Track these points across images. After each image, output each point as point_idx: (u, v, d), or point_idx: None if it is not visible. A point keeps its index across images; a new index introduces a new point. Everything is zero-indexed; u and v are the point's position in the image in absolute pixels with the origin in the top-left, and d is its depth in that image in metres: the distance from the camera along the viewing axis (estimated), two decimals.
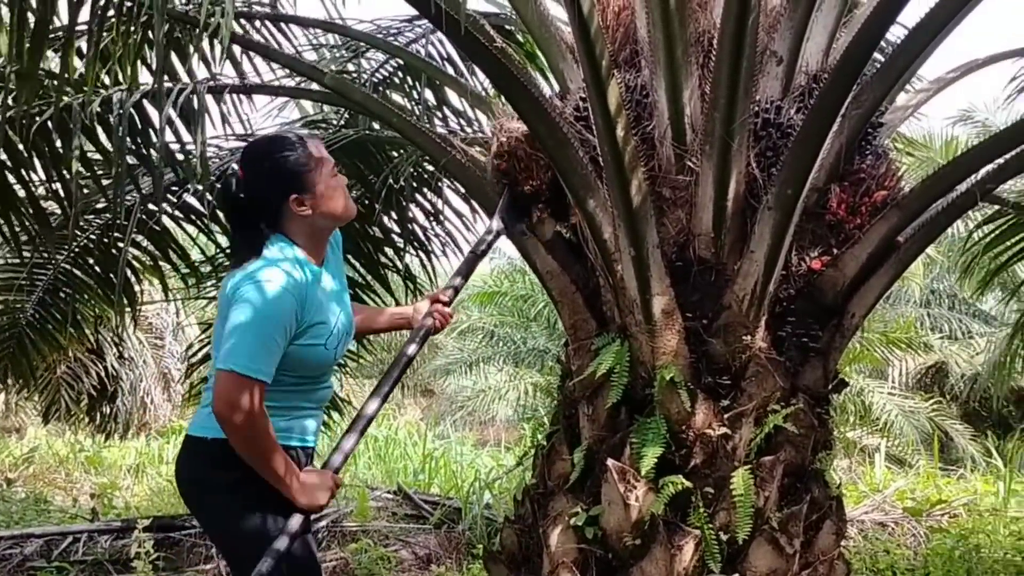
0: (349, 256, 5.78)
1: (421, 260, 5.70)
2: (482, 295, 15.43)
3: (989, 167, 2.89)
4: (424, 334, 2.84)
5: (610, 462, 2.93)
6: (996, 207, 4.37)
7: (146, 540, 5.19)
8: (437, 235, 5.62)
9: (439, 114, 5.51)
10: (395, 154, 5.07)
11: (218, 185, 5.00)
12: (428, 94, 5.36)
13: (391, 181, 4.87)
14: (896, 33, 3.94)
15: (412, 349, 2.81)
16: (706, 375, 3.04)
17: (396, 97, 5.48)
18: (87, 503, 8.00)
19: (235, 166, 2.51)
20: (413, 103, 5.46)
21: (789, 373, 3.07)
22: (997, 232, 4.72)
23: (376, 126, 5.00)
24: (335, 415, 6.60)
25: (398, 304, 6.14)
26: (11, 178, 4.21)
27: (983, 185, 2.93)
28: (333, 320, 2.51)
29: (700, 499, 2.92)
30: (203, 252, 6.03)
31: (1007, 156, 2.85)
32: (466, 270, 3.19)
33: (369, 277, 5.86)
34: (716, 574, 2.83)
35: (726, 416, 2.98)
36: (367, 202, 5.24)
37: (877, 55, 3.42)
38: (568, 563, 2.95)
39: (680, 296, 3.04)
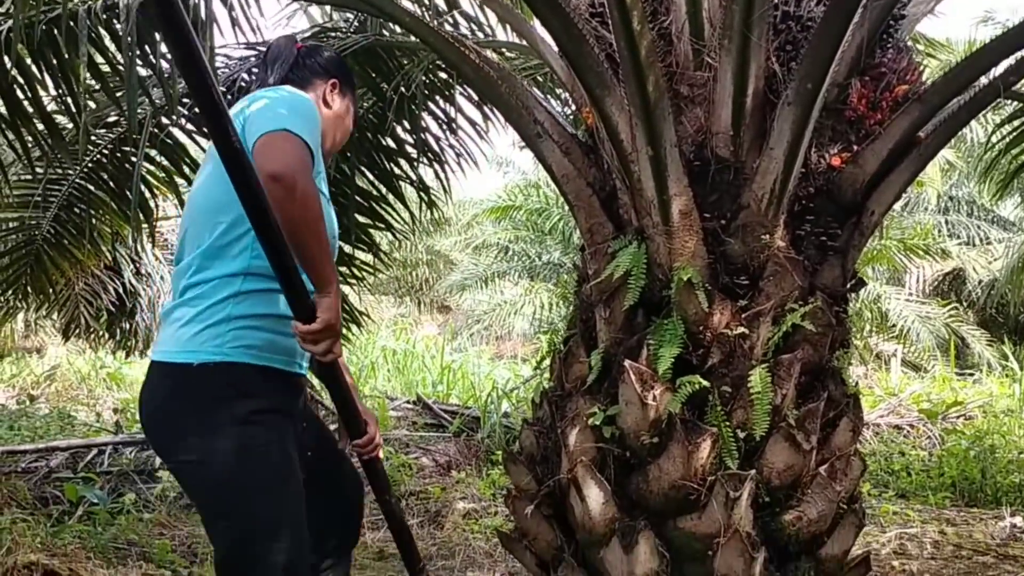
0: (363, 168, 5.75)
1: (435, 171, 5.65)
2: (496, 210, 15.39)
3: (1010, 60, 2.82)
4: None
5: (627, 363, 2.94)
6: (1018, 104, 4.28)
7: None
8: (451, 145, 5.57)
9: (449, 19, 5.40)
10: (406, 62, 4.99)
11: (228, 96, 5.00)
12: None
13: (403, 89, 4.81)
14: None
15: None
16: (724, 275, 3.03)
17: (406, 3, 5.37)
18: (110, 418, 8.15)
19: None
20: (423, 8, 5.35)
21: (807, 272, 3.05)
22: (1016, 133, 4.62)
23: (386, 33, 4.92)
24: (354, 328, 6.65)
25: (412, 217, 6.15)
26: (20, 94, 4.18)
27: (1006, 78, 2.86)
28: (328, 210, 2.22)
29: (717, 398, 2.93)
30: None
31: None
32: None
33: (383, 189, 5.84)
34: (733, 470, 2.86)
35: (744, 316, 2.98)
36: (379, 111, 5.19)
37: None
38: (586, 461, 2.98)
39: (698, 196, 3.00)
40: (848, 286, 3.16)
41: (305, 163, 1.91)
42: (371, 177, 5.79)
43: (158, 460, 5.28)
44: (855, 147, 3.01)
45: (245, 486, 2.03)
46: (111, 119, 5.14)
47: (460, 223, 21.43)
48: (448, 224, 22.24)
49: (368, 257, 6.32)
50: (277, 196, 1.87)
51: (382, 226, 6.02)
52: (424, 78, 5.04)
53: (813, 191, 3.04)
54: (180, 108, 5.02)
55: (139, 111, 4.52)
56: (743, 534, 2.81)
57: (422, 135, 5.41)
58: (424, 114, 5.43)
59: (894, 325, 12.71)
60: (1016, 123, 4.63)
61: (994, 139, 4.96)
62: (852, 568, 3.15)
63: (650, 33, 2.68)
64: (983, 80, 2.88)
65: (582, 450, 3.03)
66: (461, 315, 23.01)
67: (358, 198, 5.80)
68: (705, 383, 2.92)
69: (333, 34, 5.45)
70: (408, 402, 7.77)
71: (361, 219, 5.96)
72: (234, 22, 4.31)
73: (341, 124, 2.53)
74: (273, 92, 2.19)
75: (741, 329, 2.96)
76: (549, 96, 5.34)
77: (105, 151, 5.30)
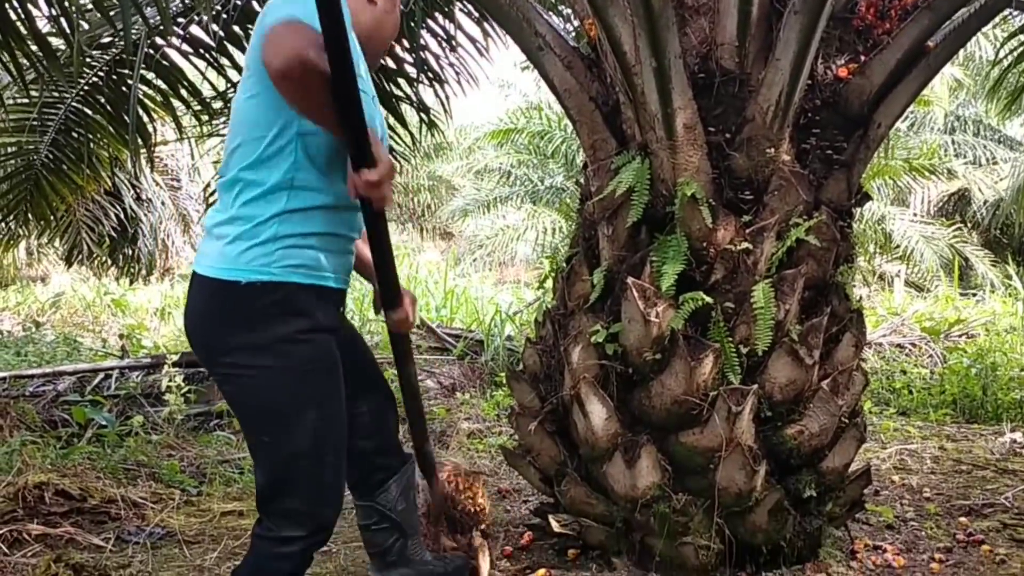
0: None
1: (435, 90, 5.56)
2: (497, 133, 15.20)
3: None
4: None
5: (630, 280, 2.93)
6: None
7: (176, 374, 5.34)
8: (451, 63, 5.47)
9: None
10: None
11: (224, 15, 4.88)
12: None
13: (400, 5, 4.70)
14: None
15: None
16: (728, 190, 3.00)
17: None
18: (116, 343, 8.20)
19: None
20: None
21: (812, 186, 3.02)
22: None
23: None
24: None
25: (414, 139, 6.07)
26: (12, 15, 4.09)
27: None
28: (371, 113, 2.04)
29: (720, 314, 2.93)
30: (214, 88, 5.91)
31: None
32: None
33: (383, 110, 5.76)
34: (735, 385, 2.87)
35: (748, 231, 2.96)
36: None
37: None
38: (589, 378, 2.99)
39: (702, 110, 2.96)
40: (853, 200, 3.13)
41: (308, 40, 1.80)
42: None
43: (164, 382, 5.31)
44: (862, 58, 2.96)
45: (291, 405, 2.03)
46: (106, 39, 5.04)
47: (462, 148, 21.22)
48: (450, 149, 22.06)
49: None
50: (287, 83, 1.82)
51: None
52: None
53: (819, 103, 2.99)
54: (175, 28, 4.93)
55: (133, 31, 4.44)
56: (744, 447, 2.83)
57: (421, 54, 5.31)
58: (423, 32, 5.33)
59: (898, 246, 12.68)
60: (1020, 40, 4.54)
61: (1001, 53, 4.86)
62: (853, 481, 3.19)
63: None
64: None
65: (585, 367, 3.03)
66: (464, 241, 22.96)
67: None
68: (708, 299, 2.91)
69: None
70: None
71: None
72: None
73: (390, 20, 2.31)
74: None
75: (745, 244, 2.94)
76: (551, 12, 5.22)
77: (100, 73, 5.21)
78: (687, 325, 2.93)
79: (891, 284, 13.02)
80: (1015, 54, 4.65)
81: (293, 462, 2.04)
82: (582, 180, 3.40)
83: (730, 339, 2.93)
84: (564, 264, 3.35)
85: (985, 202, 15.67)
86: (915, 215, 14.23)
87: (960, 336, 7.23)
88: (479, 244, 18.50)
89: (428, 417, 5.63)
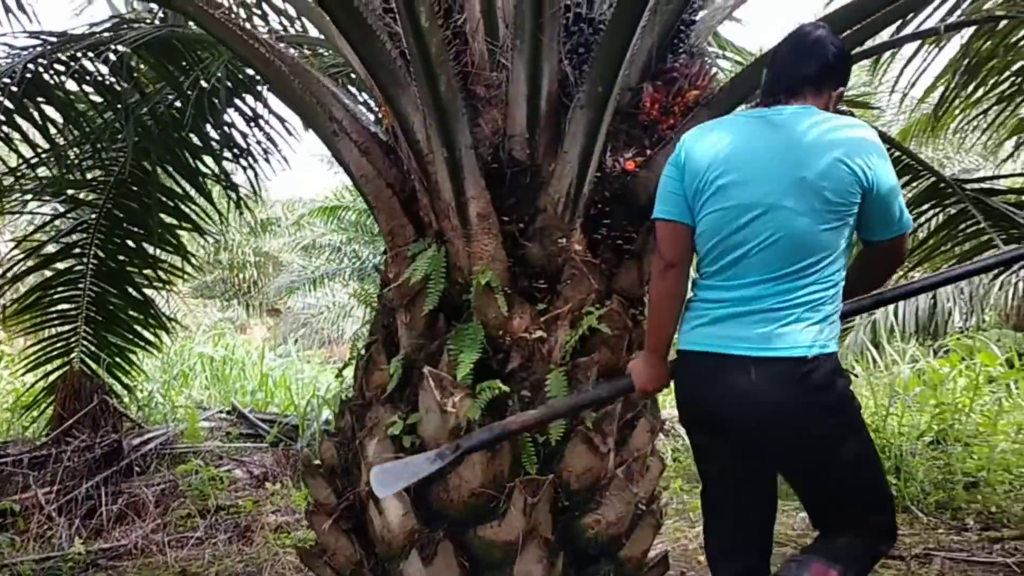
0: (168, 167, 5.46)
1: (243, 167, 5.42)
2: (324, 210, 15.04)
3: None
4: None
5: (427, 369, 2.88)
6: None
7: None
8: (259, 141, 5.36)
9: (258, 11, 5.20)
10: (206, 55, 4.75)
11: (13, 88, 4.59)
12: None
13: (204, 84, 4.57)
14: None
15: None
16: (523, 279, 3.00)
17: None
18: None
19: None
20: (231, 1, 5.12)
21: (604, 275, 3.07)
22: None
23: (187, 26, 4.66)
24: (162, 335, 6.28)
25: (221, 217, 5.89)
26: None
27: None
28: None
29: (517, 402, 2.91)
30: (4, 164, 5.54)
31: None
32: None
33: (189, 188, 5.57)
34: (532, 475, 2.83)
35: (542, 319, 2.96)
36: (179, 107, 4.93)
37: None
38: None
39: (497, 199, 2.97)
40: (645, 288, 3.20)
41: None
42: (178, 178, 5.51)
43: None
44: (648, 152, 3.05)
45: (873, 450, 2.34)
46: None
47: (289, 223, 20.85)
48: (277, 224, 21.60)
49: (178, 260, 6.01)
50: None
51: (188, 227, 5.73)
52: (230, 73, 4.82)
53: (609, 195, 3.05)
54: None
55: None
56: (542, 539, 2.79)
57: (227, 130, 5.17)
58: (232, 110, 5.20)
59: None
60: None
61: None
62: (651, 568, 3.19)
63: (441, 32, 2.61)
64: None
65: (381, 461, 2.93)
66: (291, 318, 22.41)
67: (162, 196, 5.50)
68: (505, 388, 2.89)
69: (135, 26, 5.14)
70: (223, 411, 7.44)
71: (167, 219, 5.66)
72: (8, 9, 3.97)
73: None
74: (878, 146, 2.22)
75: (539, 333, 2.94)
76: (363, 94, 5.21)
77: None
78: (485, 414, 2.89)
79: None
80: None
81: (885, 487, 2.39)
82: (382, 265, 3.34)
83: None
84: (363, 352, 3.26)
85: None
86: None
87: None
88: (303, 322, 18.09)
89: (233, 511, 5.36)
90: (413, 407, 2.98)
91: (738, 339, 2.19)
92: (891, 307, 9.41)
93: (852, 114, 3.83)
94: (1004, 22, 3.84)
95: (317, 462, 3.34)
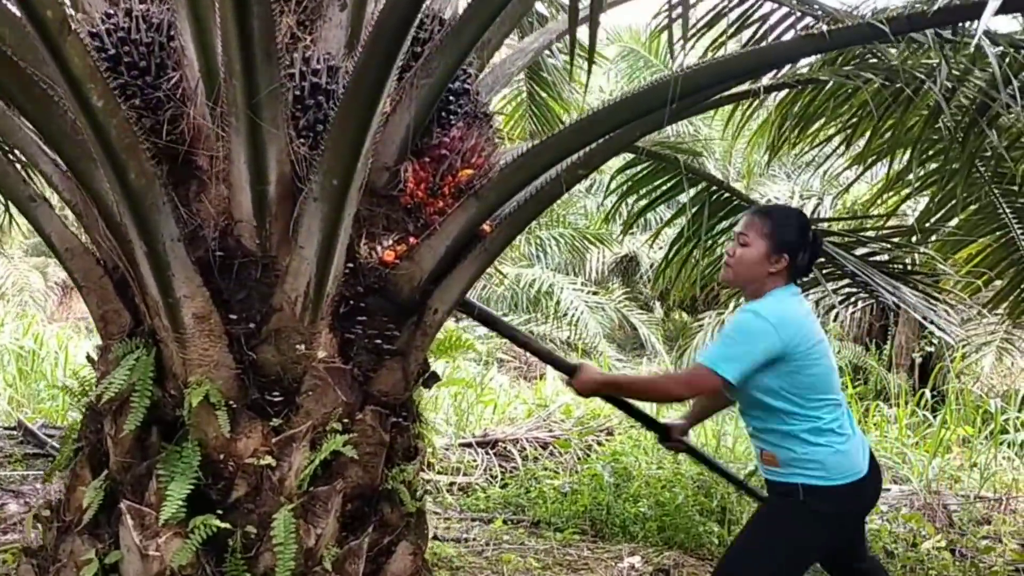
0: None
1: None
2: None
3: (573, 157, 2.49)
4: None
5: (124, 504, 2.37)
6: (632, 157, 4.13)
7: None
8: None
9: None
10: None
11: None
12: None
13: None
14: None
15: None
16: (254, 390, 2.50)
17: None
18: None
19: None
20: None
21: (358, 382, 2.60)
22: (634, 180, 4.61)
23: None
24: None
25: None
26: None
27: (574, 171, 2.54)
28: None
29: (239, 541, 2.42)
30: None
31: (594, 144, 2.46)
32: None
33: None
34: None
35: (275, 440, 2.48)
36: None
37: None
38: None
39: (224, 292, 2.46)
40: (409, 392, 2.74)
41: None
42: None
43: None
44: (412, 238, 2.58)
45: None
46: None
47: None
48: None
49: None
50: None
51: None
52: None
53: (363, 290, 2.57)
54: None
55: None
56: None
57: None
58: None
59: (566, 313, 12.99)
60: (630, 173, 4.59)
61: (613, 184, 5.04)
62: None
63: (122, 112, 2.05)
64: (552, 172, 2.53)
65: None
66: None
67: None
68: (225, 525, 2.40)
69: None
70: (5, 427, 6.67)
71: None
72: None
73: None
74: None
75: (269, 459, 2.45)
76: None
77: None
78: (200, 556, 2.39)
79: (566, 347, 13.29)
80: (624, 187, 4.69)
81: None
82: (94, 355, 2.78)
83: (251, 573, 2.43)
84: (67, 461, 2.71)
85: (652, 264, 16.51)
86: (585, 281, 14.67)
87: (601, 431, 7.18)
88: None
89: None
90: (116, 542, 2.46)
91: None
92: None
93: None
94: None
95: None
